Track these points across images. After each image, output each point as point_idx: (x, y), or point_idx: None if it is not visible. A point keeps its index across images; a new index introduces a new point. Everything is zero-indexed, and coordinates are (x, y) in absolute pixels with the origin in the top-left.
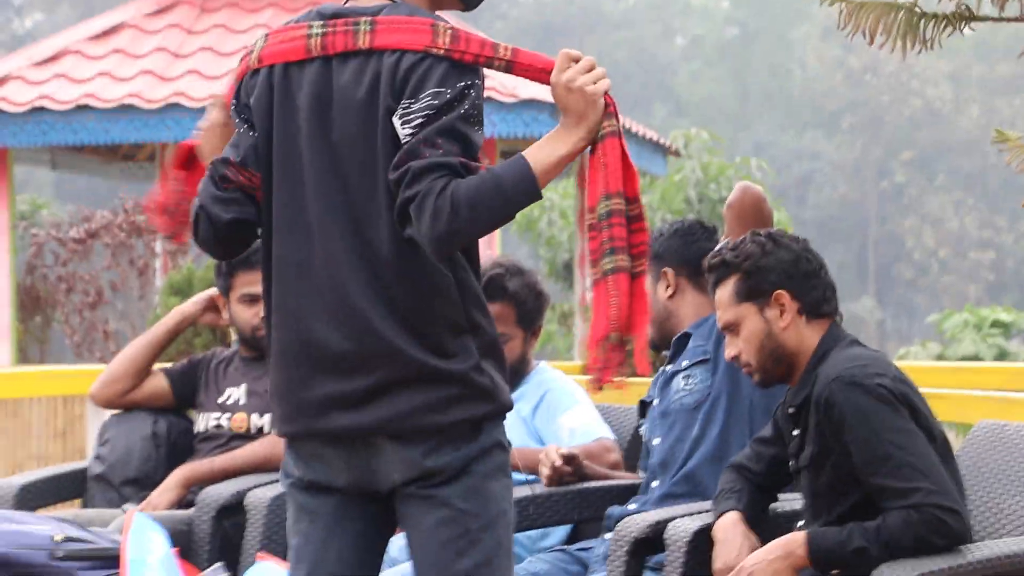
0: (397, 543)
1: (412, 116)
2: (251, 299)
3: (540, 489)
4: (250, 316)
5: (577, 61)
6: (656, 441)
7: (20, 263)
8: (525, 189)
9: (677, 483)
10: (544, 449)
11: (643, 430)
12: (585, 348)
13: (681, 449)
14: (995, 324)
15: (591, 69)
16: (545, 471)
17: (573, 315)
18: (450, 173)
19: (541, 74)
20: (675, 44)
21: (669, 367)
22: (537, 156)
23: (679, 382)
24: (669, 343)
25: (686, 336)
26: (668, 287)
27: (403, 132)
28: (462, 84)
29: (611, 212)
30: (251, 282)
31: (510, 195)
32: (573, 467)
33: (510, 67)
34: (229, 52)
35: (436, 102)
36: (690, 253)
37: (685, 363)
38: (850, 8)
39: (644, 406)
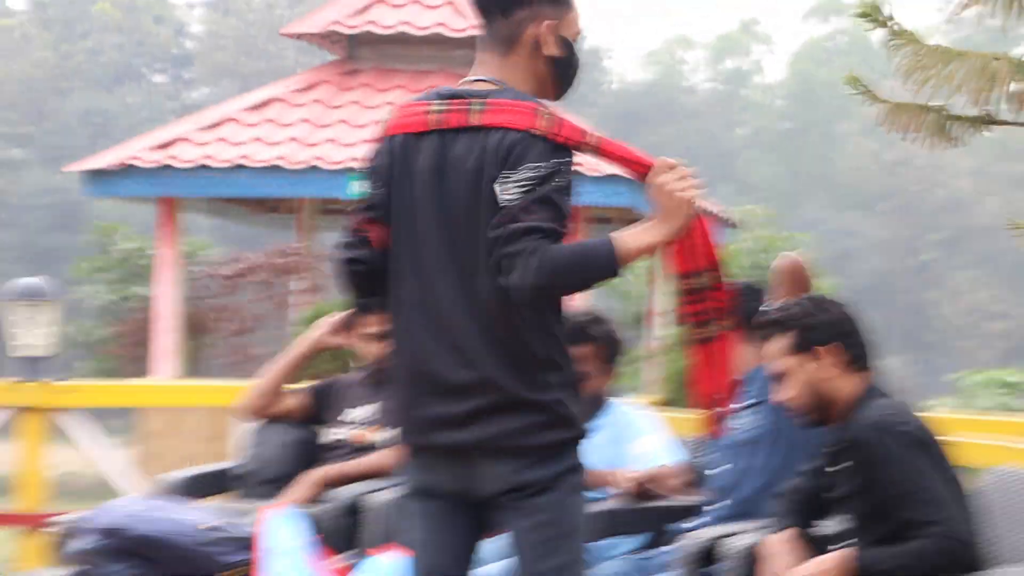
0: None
1: (511, 185)
2: (375, 337)
3: (615, 505)
4: (370, 351)
5: (672, 168)
6: (716, 470)
7: (184, 294)
8: (606, 269)
9: (733, 508)
10: (614, 471)
11: (703, 460)
12: (695, 390)
13: (736, 479)
14: (1004, 384)
15: (683, 177)
16: (615, 491)
17: (639, 360)
18: (543, 236)
19: (623, 161)
20: (737, 133)
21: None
22: (624, 242)
23: (736, 421)
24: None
25: (736, 382)
26: None
27: (503, 198)
28: (556, 160)
29: (705, 287)
30: (373, 323)
31: (592, 271)
32: (640, 489)
33: (597, 151)
34: (362, 124)
35: (533, 175)
36: (743, 311)
37: (741, 404)
38: (888, 109)
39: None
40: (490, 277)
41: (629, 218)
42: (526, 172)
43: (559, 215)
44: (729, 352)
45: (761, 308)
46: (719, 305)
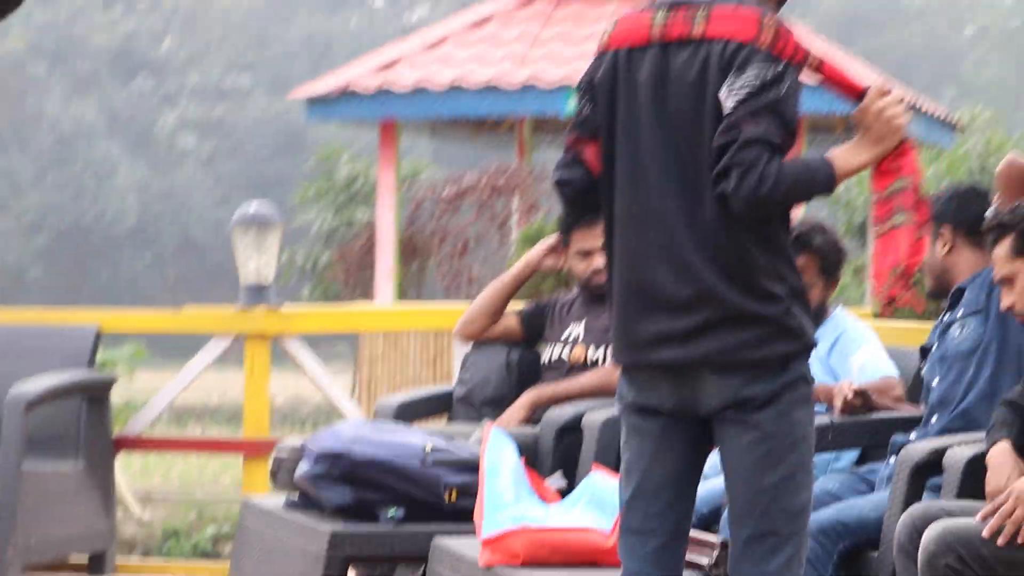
0: (709, 461)
1: (736, 90)
2: (586, 253)
3: (835, 418)
4: (584, 268)
5: (887, 93)
6: (935, 382)
7: (403, 217)
8: (827, 185)
9: (954, 419)
10: (838, 384)
11: (924, 372)
12: (874, 283)
13: (957, 390)
14: None
15: (896, 102)
16: (839, 403)
17: (865, 269)
18: (769, 149)
19: (839, 84)
20: (963, 34)
21: (947, 316)
22: (839, 162)
23: (955, 330)
24: (944, 294)
25: (961, 290)
26: (945, 244)
27: (728, 103)
28: (781, 70)
29: (902, 188)
30: (585, 239)
31: (815, 186)
32: (863, 400)
33: (816, 70)
34: (578, 40)
35: (758, 81)
36: (966, 214)
37: (960, 313)
38: None
39: (925, 351)
40: (714, 189)
41: (850, 127)
42: (751, 79)
43: (785, 126)
44: (911, 239)
45: (986, 212)
46: (912, 204)
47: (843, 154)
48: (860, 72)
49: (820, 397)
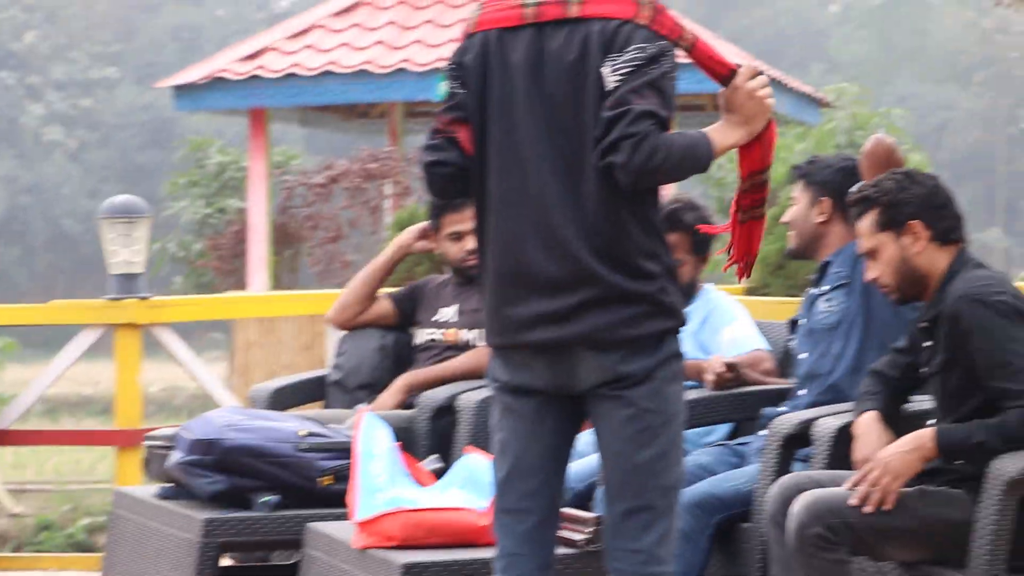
0: (583, 439)
1: (620, 65)
2: (457, 236)
3: (706, 392)
4: (456, 250)
5: (757, 74)
6: (803, 355)
7: (275, 205)
8: (704, 162)
9: (823, 393)
10: (709, 359)
11: (792, 345)
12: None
13: (825, 363)
14: None
15: (765, 83)
16: (710, 377)
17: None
18: (657, 122)
19: (711, 62)
20: (829, 11)
21: (814, 290)
22: (715, 140)
23: (821, 304)
24: (803, 257)
25: (827, 264)
26: (821, 213)
27: (612, 79)
28: (662, 45)
29: (764, 182)
30: (457, 221)
31: (696, 161)
32: (734, 374)
33: (690, 50)
34: (449, 24)
35: (641, 55)
36: (833, 190)
37: (827, 287)
38: None
39: (794, 324)
40: (593, 167)
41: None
42: (634, 53)
43: (667, 102)
44: (761, 231)
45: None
46: (765, 196)
47: (717, 133)
48: (729, 52)
49: (691, 373)
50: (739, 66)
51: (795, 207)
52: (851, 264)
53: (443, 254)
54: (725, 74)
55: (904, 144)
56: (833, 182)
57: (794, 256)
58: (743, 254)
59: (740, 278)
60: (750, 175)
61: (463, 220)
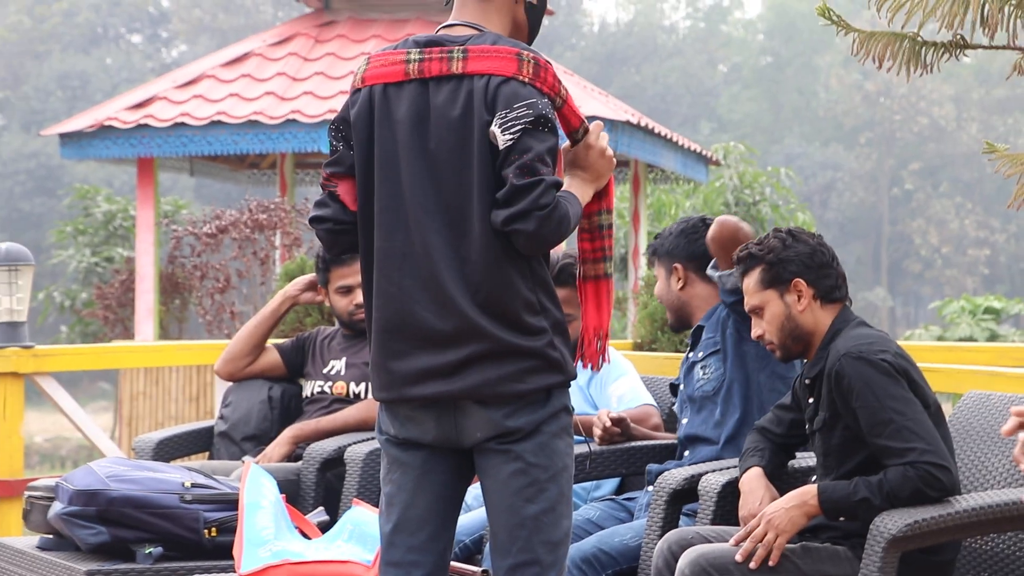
0: (471, 492)
1: (510, 123)
2: (346, 290)
3: (594, 447)
4: (345, 304)
5: (602, 129)
6: (684, 420)
7: (163, 254)
8: (579, 220)
9: (705, 457)
10: (597, 413)
11: (675, 408)
12: (589, 335)
13: (706, 429)
14: (988, 310)
15: (606, 139)
16: (598, 432)
17: (627, 300)
18: (559, 190)
19: (572, 118)
20: (718, 71)
21: (691, 355)
22: (581, 198)
23: (698, 372)
24: (684, 327)
25: (700, 328)
26: (679, 280)
27: (503, 138)
28: (546, 102)
29: (608, 225)
30: (345, 275)
31: (576, 222)
32: (621, 429)
33: (561, 106)
34: (339, 76)
35: (530, 112)
36: (695, 248)
37: (701, 354)
38: (862, 37)
39: (674, 388)
40: (479, 223)
41: None
42: (521, 110)
43: (555, 160)
44: (610, 296)
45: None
46: (610, 245)
47: (578, 188)
48: (620, 109)
49: (580, 428)
50: (589, 120)
51: (658, 284)
52: (720, 329)
53: (332, 307)
54: (576, 126)
55: (790, 204)
56: (678, 247)
57: (675, 329)
58: (594, 329)
59: (593, 366)
60: (587, 216)
61: (352, 274)
